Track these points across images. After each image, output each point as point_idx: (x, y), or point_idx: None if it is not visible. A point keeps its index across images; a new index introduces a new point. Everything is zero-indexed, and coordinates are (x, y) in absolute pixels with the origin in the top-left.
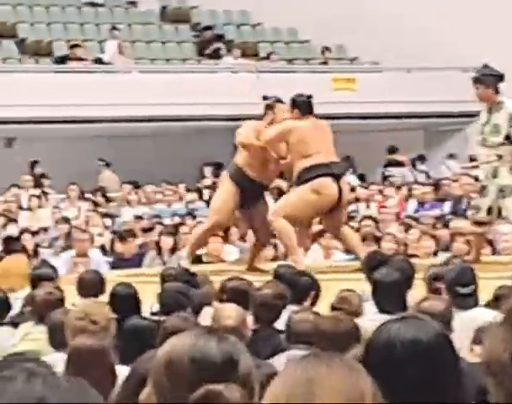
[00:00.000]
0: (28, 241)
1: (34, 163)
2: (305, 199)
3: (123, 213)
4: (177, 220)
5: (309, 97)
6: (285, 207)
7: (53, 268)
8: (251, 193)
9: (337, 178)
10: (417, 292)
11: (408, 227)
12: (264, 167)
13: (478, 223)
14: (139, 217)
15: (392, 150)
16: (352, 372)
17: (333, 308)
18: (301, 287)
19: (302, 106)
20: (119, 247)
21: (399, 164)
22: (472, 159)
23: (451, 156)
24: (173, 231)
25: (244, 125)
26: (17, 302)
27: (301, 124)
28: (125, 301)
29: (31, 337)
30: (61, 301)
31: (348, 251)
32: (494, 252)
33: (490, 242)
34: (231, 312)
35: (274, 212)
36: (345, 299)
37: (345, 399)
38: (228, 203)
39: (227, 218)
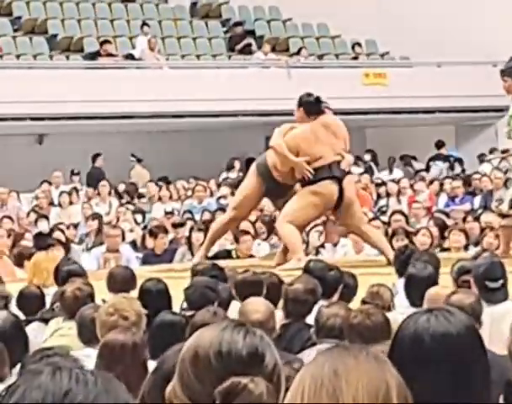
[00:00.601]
0: (60, 237)
1: (95, 156)
2: (306, 201)
3: (154, 209)
4: (207, 215)
5: (317, 98)
6: (289, 213)
7: (78, 264)
8: (276, 192)
9: (338, 178)
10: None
11: (438, 221)
12: (289, 172)
13: (503, 215)
14: (170, 213)
15: (439, 144)
16: (378, 365)
17: (364, 302)
18: (330, 281)
19: (307, 106)
20: (150, 242)
21: (446, 158)
22: (503, 152)
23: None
24: (204, 226)
25: (277, 129)
26: (48, 298)
27: (299, 130)
28: (156, 297)
29: (61, 333)
30: (90, 297)
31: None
32: None
33: None
34: (258, 306)
35: (280, 219)
36: (376, 293)
37: (371, 391)
38: (250, 200)
39: (246, 214)
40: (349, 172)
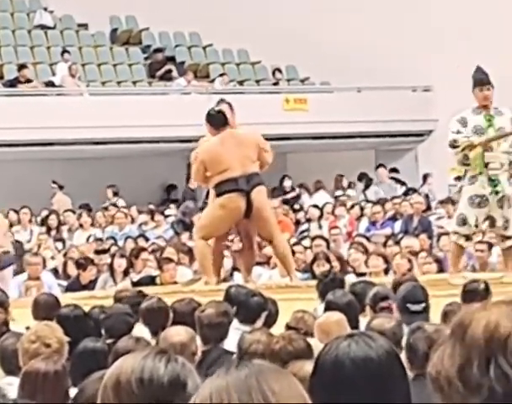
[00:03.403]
0: None
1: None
2: (214, 215)
3: (75, 236)
4: (129, 242)
5: (219, 111)
6: (201, 226)
7: (2, 291)
8: None
9: (245, 191)
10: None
11: (358, 246)
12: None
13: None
14: (99, 239)
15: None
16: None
17: (289, 327)
18: (254, 307)
19: (212, 120)
20: (72, 270)
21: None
22: (424, 176)
23: (394, 170)
24: (126, 253)
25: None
26: None
27: (208, 145)
28: (73, 323)
29: None
30: (5, 325)
31: (302, 269)
32: (442, 269)
33: (437, 260)
34: (179, 330)
35: (194, 232)
36: (301, 319)
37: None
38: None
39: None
40: (260, 184)
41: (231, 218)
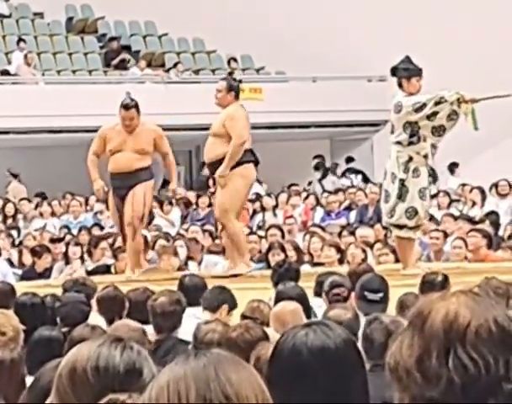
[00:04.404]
0: None
1: None
2: (239, 188)
3: (31, 224)
4: (85, 231)
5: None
6: (231, 205)
7: None
8: None
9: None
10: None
11: (312, 236)
12: None
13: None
14: (46, 228)
15: (348, 159)
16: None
17: (244, 317)
18: (212, 297)
19: (237, 89)
20: (27, 259)
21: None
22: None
23: (351, 159)
24: (80, 241)
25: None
26: None
27: (244, 115)
28: (30, 311)
29: None
30: None
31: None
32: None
33: (394, 251)
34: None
35: (223, 217)
36: (256, 308)
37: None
38: None
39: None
40: None
41: (250, 188)
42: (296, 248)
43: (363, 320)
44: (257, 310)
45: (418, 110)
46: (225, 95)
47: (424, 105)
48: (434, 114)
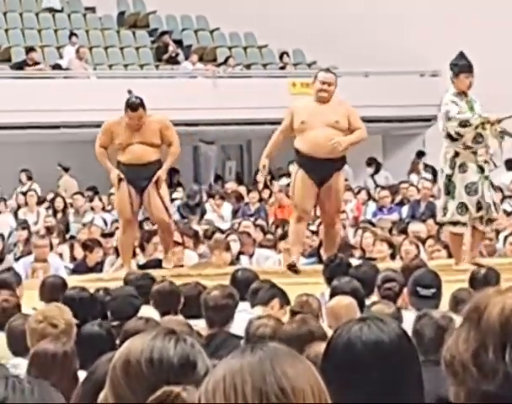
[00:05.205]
0: None
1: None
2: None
3: (83, 219)
4: None
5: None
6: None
7: (16, 274)
8: None
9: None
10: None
11: (365, 231)
12: None
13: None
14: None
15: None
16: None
17: (293, 312)
18: (264, 293)
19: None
20: (78, 253)
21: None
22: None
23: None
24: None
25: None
26: None
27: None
28: (79, 305)
29: None
30: (17, 307)
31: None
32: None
33: (446, 246)
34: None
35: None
36: (305, 302)
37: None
38: None
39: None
40: None
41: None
42: (346, 243)
43: (414, 314)
44: (306, 305)
45: (447, 120)
46: (334, 89)
47: (451, 119)
48: (459, 134)
